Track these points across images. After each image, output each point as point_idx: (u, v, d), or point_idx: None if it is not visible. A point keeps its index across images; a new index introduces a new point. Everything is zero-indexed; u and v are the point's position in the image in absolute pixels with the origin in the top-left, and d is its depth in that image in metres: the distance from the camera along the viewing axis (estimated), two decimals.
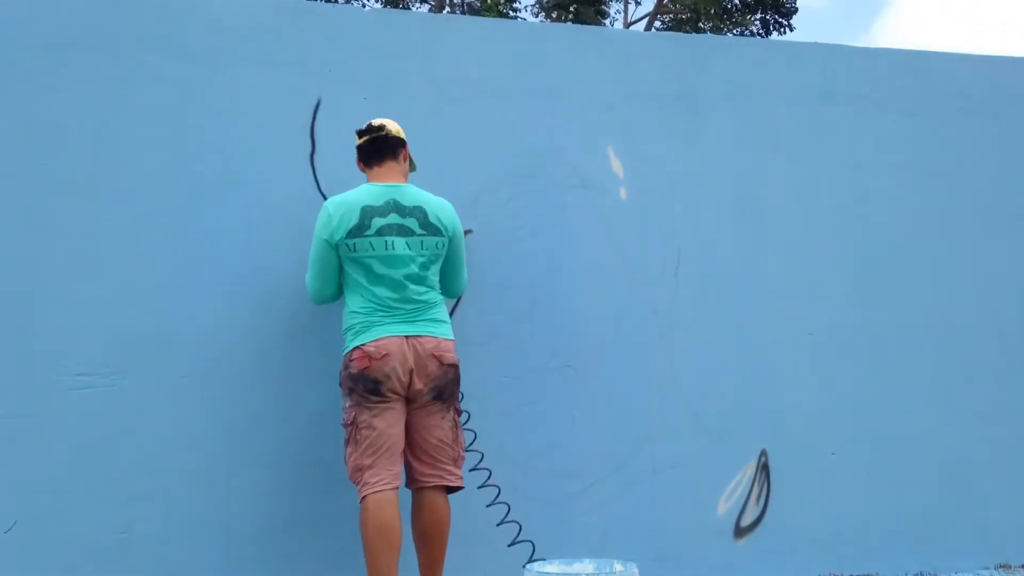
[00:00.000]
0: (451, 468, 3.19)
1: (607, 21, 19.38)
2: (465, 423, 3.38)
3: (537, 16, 18.56)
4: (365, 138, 3.28)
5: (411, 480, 3.19)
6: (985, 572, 4.09)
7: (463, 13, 17.34)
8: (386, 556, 2.99)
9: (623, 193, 3.95)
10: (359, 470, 3.07)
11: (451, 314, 3.60)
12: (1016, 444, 4.24)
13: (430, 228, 3.20)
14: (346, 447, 3.14)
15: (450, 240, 3.26)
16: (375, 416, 3.08)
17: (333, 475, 3.42)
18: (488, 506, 3.55)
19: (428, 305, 3.19)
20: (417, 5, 18.66)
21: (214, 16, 3.57)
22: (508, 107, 3.84)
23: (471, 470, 3.50)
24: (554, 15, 17.88)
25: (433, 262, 3.22)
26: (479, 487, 3.55)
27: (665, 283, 3.94)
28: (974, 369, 4.21)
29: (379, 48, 3.73)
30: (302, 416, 3.51)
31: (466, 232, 3.64)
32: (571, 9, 17.63)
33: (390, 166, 3.27)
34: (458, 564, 3.35)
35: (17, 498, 3.22)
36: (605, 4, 18.65)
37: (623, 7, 20.39)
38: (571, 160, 3.88)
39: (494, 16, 16.00)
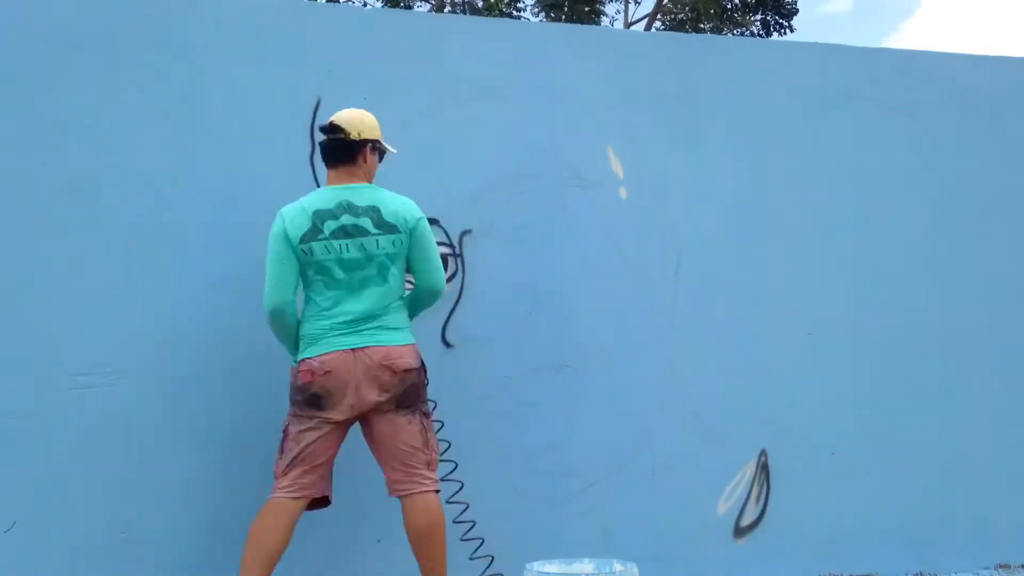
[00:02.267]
0: (425, 473, 3.11)
1: (606, 21, 19.38)
2: (437, 431, 3.31)
3: (538, 16, 18.56)
4: (324, 138, 3.20)
5: (391, 490, 3.15)
6: (985, 572, 4.09)
7: (463, 13, 17.34)
8: (260, 556, 3.00)
9: (623, 193, 3.95)
10: (276, 476, 3.10)
11: (451, 313, 3.60)
12: (1016, 444, 4.24)
13: (385, 226, 3.10)
14: (278, 452, 3.15)
15: (410, 235, 3.13)
16: (304, 431, 3.07)
17: (334, 475, 3.42)
18: (455, 521, 3.42)
19: (381, 313, 3.10)
20: (417, 5, 18.66)
21: (214, 16, 3.56)
22: (508, 107, 3.84)
23: (443, 479, 3.43)
24: (552, 14, 17.88)
25: (392, 262, 3.11)
26: (448, 500, 3.42)
27: (665, 283, 3.94)
28: (974, 369, 4.22)
29: (379, 48, 3.73)
30: None
31: (466, 232, 3.65)
32: (565, 8, 17.62)
33: (347, 169, 3.17)
34: (461, 564, 3.34)
35: (17, 498, 3.22)
36: (601, 3, 18.64)
37: (623, 7, 20.40)
38: (571, 160, 3.88)
39: (495, 16, 16.00)
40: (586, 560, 3.15)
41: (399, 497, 3.13)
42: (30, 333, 3.28)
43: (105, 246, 3.37)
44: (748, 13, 19.51)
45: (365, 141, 3.17)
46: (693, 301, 3.96)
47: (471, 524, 3.46)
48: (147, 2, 3.50)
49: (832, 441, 4.04)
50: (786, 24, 19.74)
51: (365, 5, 16.65)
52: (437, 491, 3.13)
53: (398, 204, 3.15)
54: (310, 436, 3.07)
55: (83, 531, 3.27)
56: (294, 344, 3.17)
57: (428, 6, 18.65)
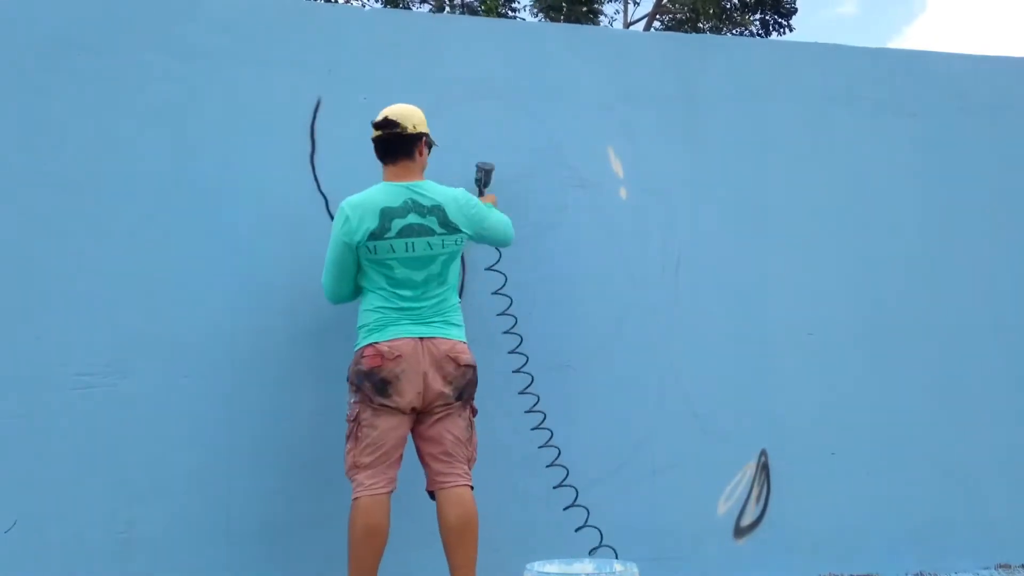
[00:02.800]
0: (465, 467, 3.17)
1: (604, 21, 19.37)
2: (542, 423, 3.55)
3: (536, 16, 18.55)
4: (378, 133, 3.20)
5: (431, 483, 3.17)
6: (985, 572, 4.09)
7: (463, 13, 17.33)
8: (370, 558, 3.01)
9: (623, 193, 3.94)
10: (356, 467, 3.07)
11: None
12: (1016, 444, 4.24)
13: (449, 227, 3.16)
14: (346, 442, 3.14)
15: (471, 233, 3.24)
16: (378, 416, 3.07)
17: (333, 475, 3.42)
18: (565, 509, 3.71)
19: (444, 307, 3.17)
20: (417, 5, 18.66)
21: (214, 16, 3.56)
22: (508, 107, 3.84)
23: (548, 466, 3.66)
24: (551, 16, 17.87)
25: (453, 259, 3.20)
26: (554, 487, 3.67)
27: (665, 283, 3.94)
28: (974, 369, 4.21)
29: (379, 48, 3.73)
30: (302, 416, 3.51)
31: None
32: (562, 10, 17.60)
33: (405, 164, 3.21)
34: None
35: (17, 498, 3.22)
36: (599, 3, 18.62)
37: (622, 7, 20.39)
38: (571, 160, 3.88)
39: (493, 16, 15.99)
40: (586, 560, 3.16)
41: (435, 492, 3.14)
42: (30, 333, 3.28)
43: (105, 246, 3.37)
44: (747, 13, 19.50)
45: (420, 134, 3.23)
46: (693, 301, 3.96)
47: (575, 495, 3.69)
48: (147, 2, 3.51)
49: (832, 441, 4.04)
50: (785, 24, 19.73)
51: (365, 5, 16.65)
52: (472, 487, 3.16)
53: (458, 203, 3.21)
54: (386, 423, 3.07)
55: (83, 531, 3.27)
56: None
57: (428, 6, 18.64)
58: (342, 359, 3.47)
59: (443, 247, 3.15)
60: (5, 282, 3.27)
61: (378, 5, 17.26)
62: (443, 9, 18.04)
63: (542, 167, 3.85)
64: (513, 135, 3.84)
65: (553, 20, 17.56)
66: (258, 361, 3.49)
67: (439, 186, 3.25)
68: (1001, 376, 4.25)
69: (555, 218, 3.85)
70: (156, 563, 3.33)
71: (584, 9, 17.63)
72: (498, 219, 3.38)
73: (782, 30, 19.71)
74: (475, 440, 3.24)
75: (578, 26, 6.44)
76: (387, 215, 3.10)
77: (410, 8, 18.09)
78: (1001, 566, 4.14)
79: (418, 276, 3.13)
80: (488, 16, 15.61)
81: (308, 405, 3.52)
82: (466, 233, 3.21)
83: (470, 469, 3.20)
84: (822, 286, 4.10)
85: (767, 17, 19.61)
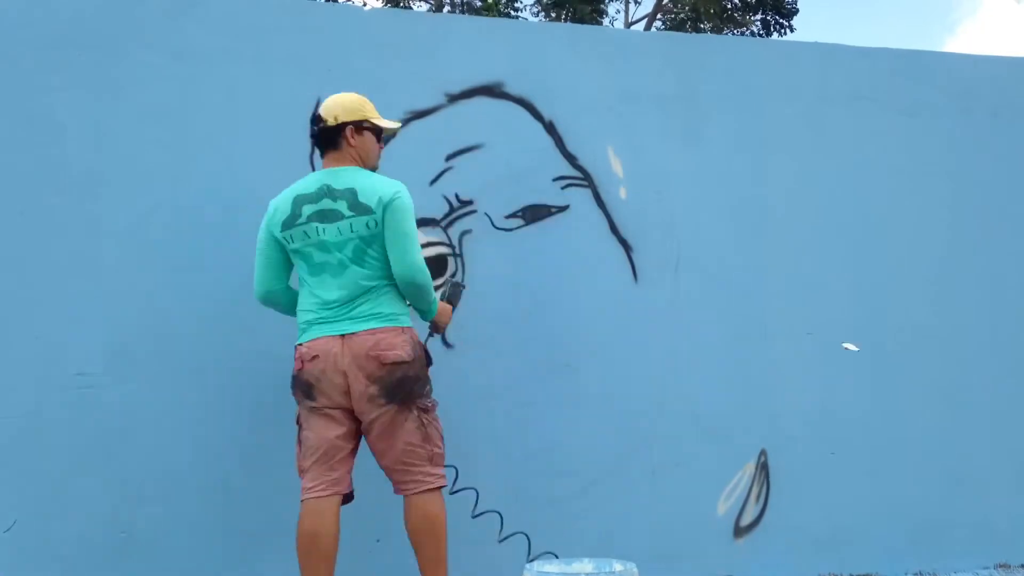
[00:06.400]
0: (427, 469, 3.00)
1: (606, 20, 19.36)
2: None
3: (538, 16, 18.54)
4: (312, 128, 3.14)
5: (394, 488, 3.07)
6: (985, 572, 4.09)
7: (463, 13, 17.33)
8: (312, 563, 2.91)
9: (623, 193, 3.94)
10: (300, 471, 3.01)
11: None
12: (1016, 444, 4.24)
13: (359, 208, 2.96)
14: (296, 445, 3.08)
15: (383, 216, 2.96)
16: (310, 418, 3.00)
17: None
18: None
19: (372, 297, 2.99)
20: (418, 5, 18.65)
21: (214, 16, 3.56)
22: (507, 107, 3.84)
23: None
24: (553, 14, 17.86)
25: (368, 245, 2.98)
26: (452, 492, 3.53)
27: (665, 283, 3.94)
28: (974, 369, 4.21)
29: (379, 48, 3.73)
30: None
31: (466, 232, 3.64)
32: (569, 8, 17.59)
33: (333, 156, 3.10)
34: (457, 563, 3.35)
35: (17, 498, 3.22)
36: (603, 2, 18.61)
37: (623, 7, 20.39)
38: (571, 160, 3.88)
39: (495, 15, 15.99)
40: (586, 560, 3.15)
41: (402, 495, 3.06)
42: (30, 333, 3.28)
43: (105, 246, 3.37)
44: (748, 13, 19.51)
45: (343, 124, 3.08)
46: (693, 301, 3.96)
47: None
48: (147, 2, 3.51)
49: (832, 441, 4.04)
50: (786, 24, 19.74)
51: (365, 5, 16.65)
52: (440, 487, 3.03)
53: (377, 187, 2.99)
54: (318, 424, 2.99)
55: (83, 531, 3.27)
56: None
57: (428, 6, 18.63)
58: None
59: (352, 230, 2.96)
60: (5, 282, 3.28)
61: (378, 5, 17.26)
62: (442, 9, 18.04)
63: (542, 167, 3.85)
64: (513, 135, 3.83)
65: (556, 19, 17.55)
66: (258, 361, 3.48)
67: (366, 173, 3.06)
68: (1001, 375, 4.25)
69: (555, 218, 3.85)
70: (156, 563, 3.33)
71: (589, 9, 17.62)
72: (411, 238, 3.00)
73: (783, 30, 19.72)
74: (434, 434, 3.04)
75: (579, 26, 6.43)
76: (299, 202, 3.02)
77: (410, 8, 18.09)
78: (1001, 566, 4.14)
79: (333, 262, 2.99)
80: (490, 15, 15.60)
81: None
82: (376, 215, 2.95)
83: (436, 465, 3.03)
84: (822, 286, 4.10)
85: (768, 18, 19.62)
